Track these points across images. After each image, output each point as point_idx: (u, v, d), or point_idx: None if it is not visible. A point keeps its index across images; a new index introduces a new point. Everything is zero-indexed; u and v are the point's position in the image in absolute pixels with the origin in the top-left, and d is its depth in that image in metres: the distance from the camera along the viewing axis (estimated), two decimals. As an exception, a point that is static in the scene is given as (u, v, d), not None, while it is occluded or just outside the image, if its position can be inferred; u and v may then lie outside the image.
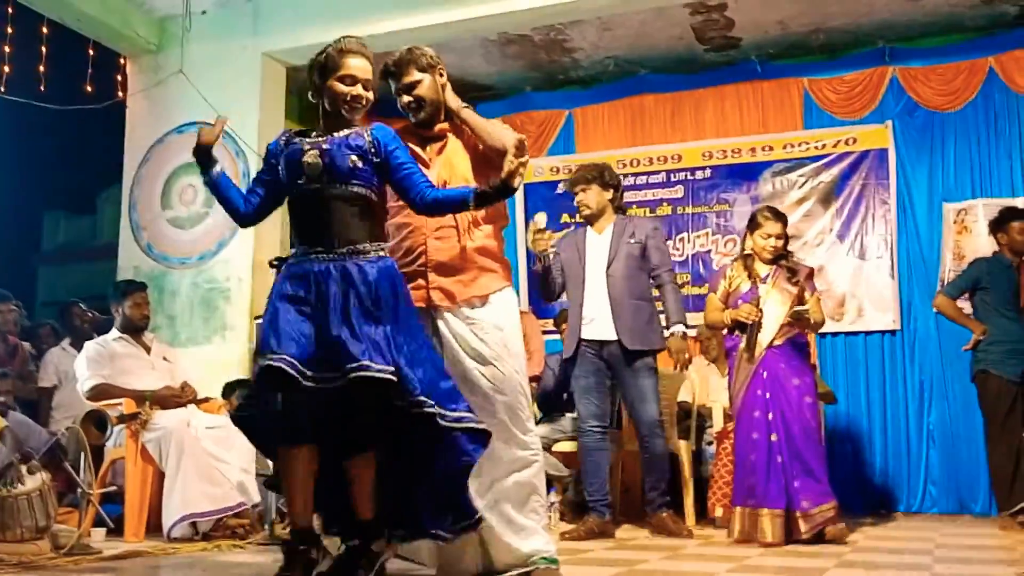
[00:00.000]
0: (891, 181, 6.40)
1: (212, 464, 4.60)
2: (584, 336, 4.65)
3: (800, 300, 4.39)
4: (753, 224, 4.58)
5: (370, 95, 2.99)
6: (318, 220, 2.89)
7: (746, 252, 4.62)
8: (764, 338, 4.39)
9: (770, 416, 4.33)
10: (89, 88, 6.20)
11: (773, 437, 4.31)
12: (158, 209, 6.42)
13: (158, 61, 6.53)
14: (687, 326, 4.75)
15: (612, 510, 4.68)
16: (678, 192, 6.94)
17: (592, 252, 4.71)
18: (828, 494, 4.32)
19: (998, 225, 5.26)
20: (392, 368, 2.66)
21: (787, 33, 6.60)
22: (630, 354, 4.56)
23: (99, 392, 4.81)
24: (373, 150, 2.93)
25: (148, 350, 5.16)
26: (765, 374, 4.38)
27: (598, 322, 4.61)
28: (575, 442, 5.38)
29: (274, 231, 6.14)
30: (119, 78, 6.60)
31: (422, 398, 2.68)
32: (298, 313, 2.77)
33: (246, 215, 3.14)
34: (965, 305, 5.35)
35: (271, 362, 2.64)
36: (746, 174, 6.75)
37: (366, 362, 2.63)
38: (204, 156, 3.12)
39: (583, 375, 4.66)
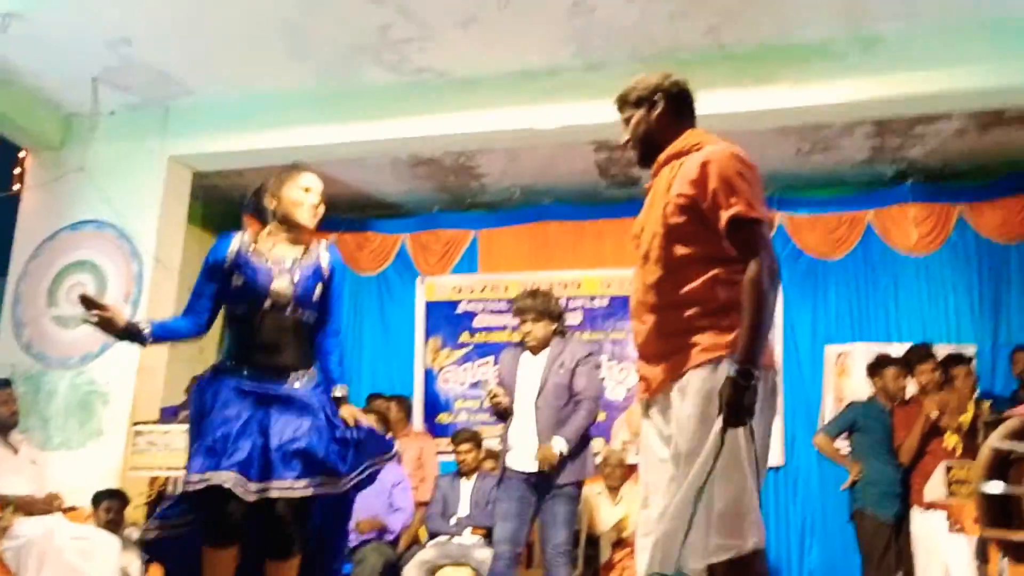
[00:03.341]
0: (778, 322, 6.68)
1: (73, 578, 4.35)
2: (508, 464, 4.57)
3: None
4: None
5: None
6: (271, 343, 3.07)
7: None
8: None
9: None
10: (-17, 179, 6.08)
11: None
12: (43, 306, 6.20)
13: (60, 157, 6.42)
14: (569, 444, 4.44)
15: None
16: (576, 318, 7.07)
17: (524, 379, 4.62)
18: None
19: (874, 370, 5.51)
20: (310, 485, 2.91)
21: (684, 175, 6.93)
22: (555, 482, 4.44)
23: (-43, 496, 4.54)
24: (327, 278, 3.20)
25: (15, 451, 4.90)
26: None
27: (523, 453, 4.48)
28: (462, 568, 5.30)
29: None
30: (17, 171, 6.47)
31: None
32: (242, 426, 2.91)
33: (201, 333, 3.23)
34: (844, 445, 5.54)
35: (222, 482, 2.79)
36: (642, 306, 6.92)
37: (290, 482, 2.89)
38: (125, 335, 3.11)
39: (506, 499, 4.52)
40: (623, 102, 2.75)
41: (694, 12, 4.89)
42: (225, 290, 3.13)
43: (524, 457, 4.50)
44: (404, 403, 6.76)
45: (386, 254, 7.61)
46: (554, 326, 4.72)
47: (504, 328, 7.14)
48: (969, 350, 5.91)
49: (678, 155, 2.59)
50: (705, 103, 5.36)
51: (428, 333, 7.39)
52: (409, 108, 5.87)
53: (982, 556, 3.32)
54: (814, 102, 5.17)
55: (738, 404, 2.20)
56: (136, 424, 5.55)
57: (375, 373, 7.38)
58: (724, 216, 2.37)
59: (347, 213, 7.71)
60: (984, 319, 6.36)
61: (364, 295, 7.59)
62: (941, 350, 5.54)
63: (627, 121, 2.73)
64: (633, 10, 4.89)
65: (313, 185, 3.25)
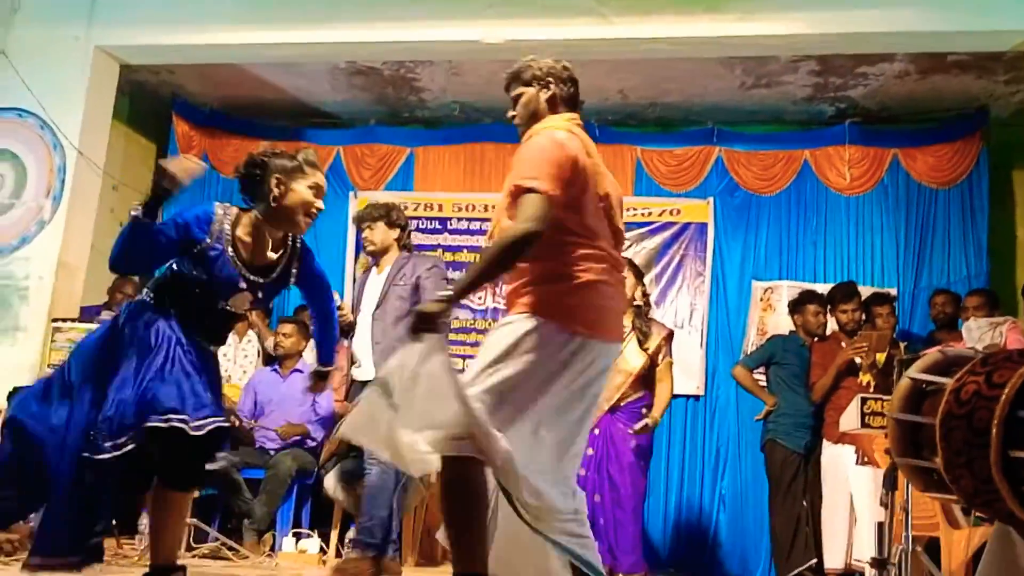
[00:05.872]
0: (708, 254, 6.75)
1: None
2: (354, 376, 4.58)
3: (653, 363, 4.49)
4: None
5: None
6: (215, 325, 3.13)
7: None
8: (604, 400, 4.45)
9: (597, 476, 4.37)
10: None
11: (596, 498, 4.31)
12: (-42, 196, 5.93)
13: (-22, 40, 6.07)
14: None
15: (395, 546, 4.52)
16: (509, 241, 7.03)
17: (368, 293, 4.59)
18: (640, 564, 4.39)
19: (796, 306, 5.62)
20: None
21: (626, 102, 6.89)
22: None
23: None
24: (297, 281, 3.31)
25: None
26: (598, 431, 4.42)
27: (364, 365, 4.46)
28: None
29: (85, 234, 5.81)
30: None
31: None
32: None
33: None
34: (761, 377, 5.68)
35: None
36: (575, 232, 6.92)
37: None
38: (166, 195, 2.89)
39: None
40: (515, 78, 2.82)
41: (648, -67, 4.81)
42: (184, 259, 2.99)
43: (365, 370, 4.45)
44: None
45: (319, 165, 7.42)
46: (394, 233, 4.63)
47: (436, 248, 7.07)
48: (891, 292, 6.08)
49: (532, 135, 2.71)
50: (654, 28, 5.36)
51: (358, 248, 7.29)
52: (350, 13, 5.69)
53: (891, 484, 3.44)
54: (762, 33, 5.15)
55: (420, 317, 2.42)
56: (55, 321, 5.41)
57: (304, 285, 7.27)
58: (509, 183, 2.55)
59: (281, 120, 7.49)
60: (907, 262, 6.50)
61: (296, 206, 7.41)
62: (864, 291, 5.68)
63: (516, 99, 2.81)
64: (587, -74, 4.78)
65: (322, 186, 3.16)
